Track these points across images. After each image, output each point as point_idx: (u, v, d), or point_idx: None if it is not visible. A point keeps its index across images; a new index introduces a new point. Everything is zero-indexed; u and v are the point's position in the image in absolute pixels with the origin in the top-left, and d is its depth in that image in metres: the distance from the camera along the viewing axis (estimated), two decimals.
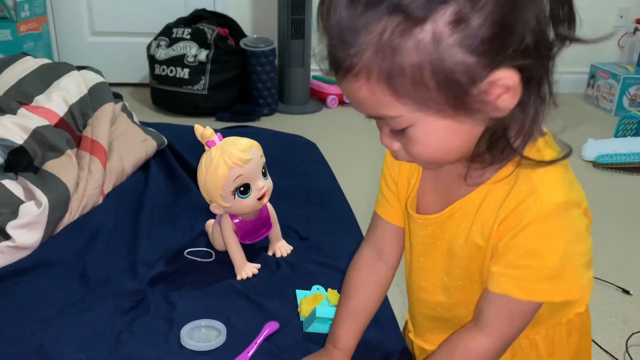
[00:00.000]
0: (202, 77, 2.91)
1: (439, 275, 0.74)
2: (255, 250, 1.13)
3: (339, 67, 0.57)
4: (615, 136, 2.85)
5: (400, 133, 0.60)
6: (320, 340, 0.90)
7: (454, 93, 0.54)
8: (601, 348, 1.50)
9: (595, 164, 2.61)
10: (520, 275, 0.63)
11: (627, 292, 1.74)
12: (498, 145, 0.60)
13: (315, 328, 0.92)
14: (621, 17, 3.55)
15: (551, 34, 0.58)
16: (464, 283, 0.72)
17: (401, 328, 0.96)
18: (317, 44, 0.60)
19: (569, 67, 3.96)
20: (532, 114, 0.59)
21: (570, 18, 0.58)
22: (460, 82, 0.54)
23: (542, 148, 0.63)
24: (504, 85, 0.55)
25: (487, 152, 0.61)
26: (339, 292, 1.00)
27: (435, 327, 0.81)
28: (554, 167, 0.62)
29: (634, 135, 2.81)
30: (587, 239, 0.64)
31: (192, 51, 2.90)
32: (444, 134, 0.58)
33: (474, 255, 0.68)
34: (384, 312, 0.94)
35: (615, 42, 3.57)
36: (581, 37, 0.59)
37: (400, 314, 0.98)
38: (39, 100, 1.37)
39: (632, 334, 1.56)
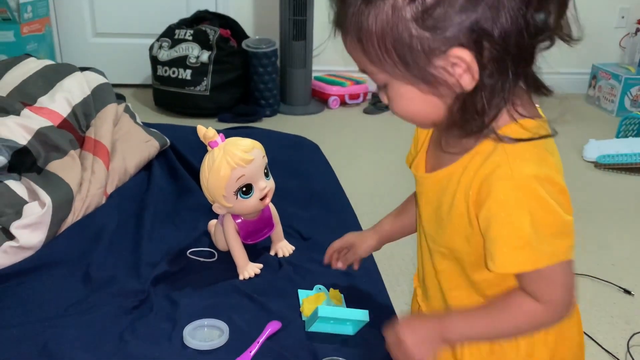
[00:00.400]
0: (204, 78, 2.92)
1: (429, 240, 0.79)
2: (257, 250, 1.13)
3: (334, 24, 0.65)
4: (617, 137, 2.85)
5: (385, 91, 0.67)
6: (322, 340, 0.91)
7: (413, 65, 0.60)
8: (602, 348, 1.50)
9: (597, 165, 2.61)
10: (495, 247, 0.65)
11: (628, 292, 1.74)
12: (469, 118, 0.63)
13: (317, 327, 0.93)
14: (622, 17, 3.55)
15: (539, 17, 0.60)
16: (446, 251, 0.75)
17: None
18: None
19: (570, 67, 3.96)
20: (495, 94, 0.61)
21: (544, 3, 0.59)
22: (417, 55, 0.60)
23: (526, 128, 0.65)
24: (461, 64, 0.59)
25: (461, 123, 0.64)
26: (340, 292, 1.01)
27: (433, 289, 0.82)
28: (530, 145, 0.64)
29: (636, 135, 2.81)
30: (557, 212, 0.64)
31: (194, 52, 2.91)
32: (411, 99, 0.64)
33: (456, 224, 0.70)
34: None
35: (616, 42, 3.57)
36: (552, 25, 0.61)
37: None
38: (43, 101, 1.38)
39: (634, 334, 1.56)
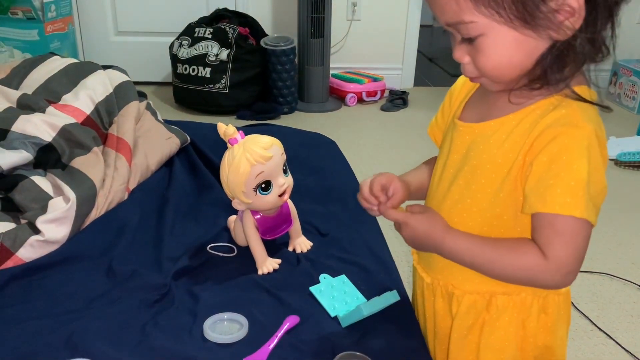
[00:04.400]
0: (224, 76, 2.94)
1: (452, 192, 0.79)
2: (276, 246, 1.15)
3: None
4: (638, 134, 2.81)
5: (471, 45, 0.67)
6: (340, 334, 0.92)
7: (526, 5, 0.61)
8: (622, 347, 1.49)
9: (617, 162, 2.58)
10: (547, 187, 0.66)
11: None
12: (553, 69, 0.66)
13: (353, 320, 0.94)
14: None
15: None
16: (470, 202, 0.76)
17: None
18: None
19: (590, 64, 3.88)
20: (590, 46, 0.64)
21: None
22: None
23: (585, 93, 0.68)
24: (570, 7, 0.62)
25: (542, 75, 0.66)
26: (355, 284, 1.02)
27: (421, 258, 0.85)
28: (592, 108, 0.68)
29: None
30: (603, 174, 0.67)
31: (214, 50, 2.93)
32: (509, 45, 0.65)
33: (491, 174, 0.72)
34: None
35: (638, 39, 3.51)
36: None
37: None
38: (67, 98, 1.41)
39: None
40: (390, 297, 0.96)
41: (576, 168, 0.65)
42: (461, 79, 0.84)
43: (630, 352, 1.48)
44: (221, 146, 1.06)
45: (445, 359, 0.88)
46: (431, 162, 0.93)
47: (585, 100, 0.68)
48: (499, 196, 0.73)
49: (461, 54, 0.69)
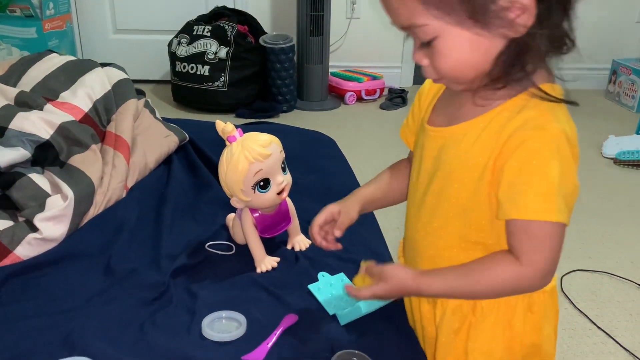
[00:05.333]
0: (222, 74, 2.94)
1: (429, 197, 0.79)
2: (274, 244, 1.15)
3: None
4: (637, 133, 2.81)
5: (428, 47, 0.67)
6: (339, 332, 0.92)
7: (475, 5, 0.61)
8: (621, 346, 1.49)
9: (616, 161, 2.58)
10: (519, 193, 0.66)
11: None
12: (513, 68, 0.65)
13: (350, 319, 0.94)
14: None
15: None
16: (445, 205, 0.76)
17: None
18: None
19: (590, 63, 3.90)
20: (547, 41, 0.64)
21: None
22: None
23: (552, 90, 0.68)
24: (521, 4, 0.61)
25: (502, 74, 0.66)
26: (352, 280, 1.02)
27: (424, 252, 0.84)
28: (559, 106, 0.67)
29: None
30: (574, 174, 0.67)
31: (213, 48, 2.93)
32: (465, 46, 0.65)
33: (465, 177, 0.72)
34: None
35: (637, 38, 3.51)
36: None
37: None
38: (65, 96, 1.40)
39: None
40: None
41: (546, 172, 0.65)
42: (428, 81, 0.83)
43: (629, 351, 1.48)
44: (220, 144, 1.05)
45: None
46: (396, 168, 0.95)
47: (552, 99, 0.67)
48: (473, 200, 0.73)
49: (420, 57, 0.69)
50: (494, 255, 0.73)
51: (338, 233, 0.92)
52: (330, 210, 0.92)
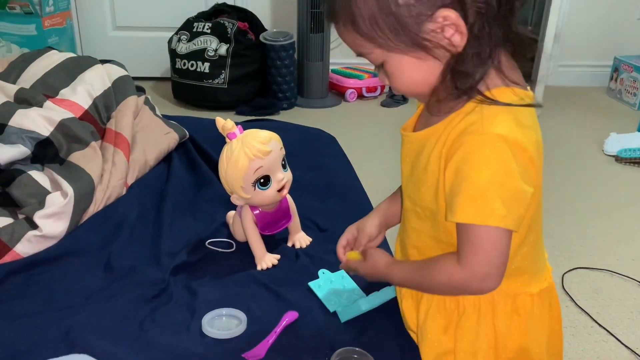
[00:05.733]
0: (223, 71, 2.93)
1: (406, 199, 0.84)
2: (275, 241, 1.14)
3: (327, 17, 0.72)
4: (639, 130, 2.80)
5: (383, 69, 0.72)
6: (339, 330, 0.92)
7: (405, 33, 0.66)
8: (623, 344, 1.49)
9: (618, 159, 2.57)
10: (454, 196, 0.69)
11: None
12: (460, 78, 0.68)
13: (351, 315, 0.94)
14: None
15: None
16: (416, 209, 0.80)
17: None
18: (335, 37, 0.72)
19: (591, 60, 3.90)
20: (483, 50, 0.67)
21: None
22: (408, 23, 0.65)
23: (516, 94, 0.70)
24: (450, 24, 0.64)
25: (453, 85, 0.69)
26: (356, 280, 1.02)
27: (411, 252, 0.87)
28: (506, 110, 0.68)
29: None
30: (517, 179, 0.67)
31: (213, 45, 2.92)
32: (408, 68, 0.70)
33: (429, 181, 0.75)
34: None
35: (639, 35, 3.50)
36: None
37: None
38: (64, 93, 1.40)
39: None
40: (388, 293, 0.96)
41: (474, 176, 0.66)
42: None
43: (631, 349, 1.48)
44: (220, 142, 1.05)
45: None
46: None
47: (498, 103, 0.68)
48: (436, 203, 0.75)
49: (382, 77, 0.74)
50: (445, 255, 0.76)
51: (370, 246, 0.95)
52: (350, 230, 0.97)
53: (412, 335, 0.89)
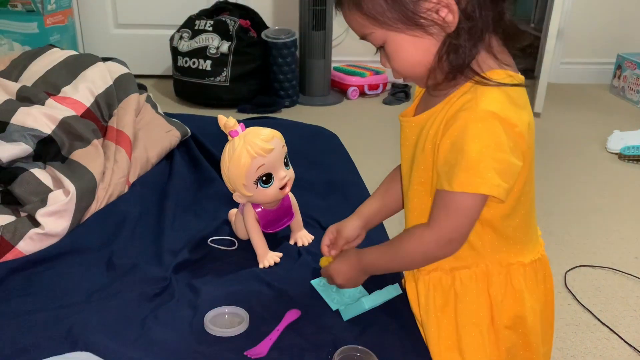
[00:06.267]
0: (224, 69, 2.93)
1: (405, 180, 0.88)
2: (277, 239, 1.14)
3: (336, 4, 0.78)
4: None
5: (384, 52, 0.77)
6: (341, 328, 0.92)
7: (405, 12, 0.72)
8: (625, 342, 1.49)
9: (621, 156, 2.57)
10: (449, 169, 0.74)
11: None
12: (454, 57, 0.73)
13: (355, 313, 0.94)
14: None
15: None
16: (419, 188, 0.84)
17: None
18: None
19: (594, 57, 3.89)
20: (473, 31, 0.72)
21: None
22: (407, 3, 0.71)
23: (499, 75, 0.74)
24: (444, 5, 0.70)
25: (448, 64, 0.74)
26: None
27: None
28: (500, 91, 0.73)
29: None
30: (507, 152, 0.72)
31: (214, 43, 2.92)
32: (407, 48, 0.75)
33: (428, 158, 0.80)
34: None
35: None
36: None
37: None
38: (66, 91, 1.40)
39: None
40: (392, 291, 0.96)
41: (467, 149, 0.72)
42: None
43: (633, 347, 1.48)
44: (222, 139, 1.05)
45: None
46: (391, 173, 1.01)
47: (492, 83, 0.73)
48: (434, 176, 0.80)
49: (383, 61, 0.80)
50: (415, 225, 0.83)
51: (333, 253, 1.00)
52: (331, 230, 1.01)
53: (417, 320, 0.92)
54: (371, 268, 0.91)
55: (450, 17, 0.71)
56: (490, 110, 0.71)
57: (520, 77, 0.77)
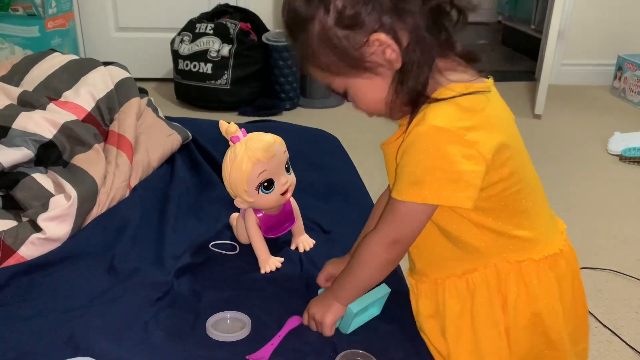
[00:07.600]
0: (225, 72, 2.93)
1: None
2: (278, 244, 1.14)
3: (300, 68, 0.84)
4: None
5: (349, 95, 0.82)
6: (342, 334, 0.91)
7: (350, 59, 0.77)
8: (627, 344, 1.49)
9: (622, 158, 2.57)
10: (398, 178, 0.79)
11: None
12: (407, 89, 0.78)
13: (354, 326, 0.92)
14: None
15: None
16: None
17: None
18: None
19: (595, 59, 3.87)
20: (419, 62, 0.76)
21: None
22: (349, 50, 0.76)
23: (452, 89, 0.78)
24: (384, 44, 0.74)
25: (404, 95, 0.78)
26: None
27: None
28: (449, 104, 0.77)
29: None
30: (453, 161, 0.75)
31: (215, 46, 2.92)
32: (364, 89, 0.81)
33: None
34: None
35: None
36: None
37: None
38: (67, 95, 1.40)
39: None
40: (380, 291, 0.94)
41: (408, 160, 0.77)
42: None
43: (635, 349, 1.47)
44: (223, 143, 1.05)
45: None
46: (379, 199, 1.03)
47: (437, 100, 0.77)
48: None
49: (353, 105, 0.85)
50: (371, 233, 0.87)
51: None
52: (327, 271, 1.02)
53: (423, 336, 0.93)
54: (339, 290, 0.90)
55: (394, 55, 0.75)
56: (435, 125, 0.75)
57: (477, 85, 0.79)
